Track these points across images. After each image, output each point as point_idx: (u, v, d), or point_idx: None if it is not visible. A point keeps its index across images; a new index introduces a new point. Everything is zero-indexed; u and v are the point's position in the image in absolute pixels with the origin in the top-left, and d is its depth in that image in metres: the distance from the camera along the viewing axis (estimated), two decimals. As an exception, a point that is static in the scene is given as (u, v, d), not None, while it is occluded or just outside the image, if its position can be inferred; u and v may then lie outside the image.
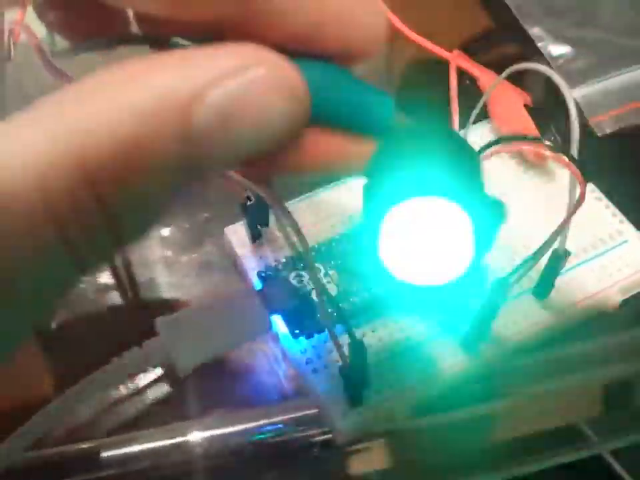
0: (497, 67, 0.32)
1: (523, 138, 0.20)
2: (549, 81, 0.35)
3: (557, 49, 0.36)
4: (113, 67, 0.13)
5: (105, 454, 0.25)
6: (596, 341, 0.27)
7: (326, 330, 0.25)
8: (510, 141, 0.21)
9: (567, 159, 0.20)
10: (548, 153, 0.20)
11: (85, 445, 0.25)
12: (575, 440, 0.28)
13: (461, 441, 0.27)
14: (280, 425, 0.26)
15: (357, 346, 0.21)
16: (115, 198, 0.12)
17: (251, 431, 0.26)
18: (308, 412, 0.25)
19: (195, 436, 0.26)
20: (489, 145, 0.21)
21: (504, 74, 0.24)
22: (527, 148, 0.20)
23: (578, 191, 0.21)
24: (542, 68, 0.22)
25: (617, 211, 0.29)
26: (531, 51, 0.37)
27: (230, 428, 0.26)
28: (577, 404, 0.29)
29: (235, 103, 0.12)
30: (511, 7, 0.38)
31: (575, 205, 0.21)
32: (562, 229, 0.22)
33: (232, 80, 0.12)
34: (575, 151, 0.21)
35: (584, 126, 0.33)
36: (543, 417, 0.28)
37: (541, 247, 0.22)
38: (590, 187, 0.29)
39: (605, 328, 0.28)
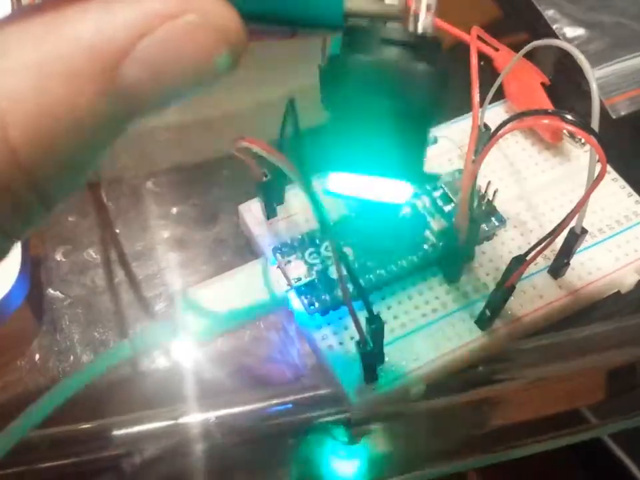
0: (512, 49, 0.32)
1: (543, 112, 0.20)
2: (562, 62, 0.36)
3: (572, 31, 0.36)
4: (30, 11, 0.11)
5: (114, 432, 0.25)
6: (601, 325, 0.27)
7: (341, 306, 0.25)
8: (529, 115, 0.20)
9: (587, 133, 0.19)
10: (568, 126, 0.20)
11: (92, 424, 0.25)
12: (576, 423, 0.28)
13: (465, 424, 0.27)
14: (290, 405, 0.26)
15: (375, 322, 0.21)
16: (38, 161, 0.11)
17: (262, 411, 0.26)
18: (321, 392, 0.25)
19: (206, 415, 0.26)
20: (507, 121, 0.21)
21: (522, 51, 0.24)
22: (545, 123, 0.20)
23: (598, 167, 0.21)
24: (562, 44, 0.22)
25: (632, 192, 0.29)
26: (545, 33, 0.37)
27: (241, 408, 0.26)
28: (581, 389, 0.29)
29: (164, 55, 0.11)
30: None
31: (596, 181, 0.20)
32: (581, 206, 0.21)
33: (160, 30, 0.11)
34: (595, 125, 0.21)
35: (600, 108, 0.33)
36: (547, 402, 0.28)
37: (559, 224, 0.22)
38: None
39: (619, 308, 0.28)
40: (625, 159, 0.30)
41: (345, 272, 0.20)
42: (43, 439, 0.24)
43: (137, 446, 0.25)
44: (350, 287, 0.23)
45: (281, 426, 0.26)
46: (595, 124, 0.21)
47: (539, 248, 0.22)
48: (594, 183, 0.21)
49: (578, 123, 0.20)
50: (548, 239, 0.22)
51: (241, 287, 0.24)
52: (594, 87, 0.22)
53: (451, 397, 0.26)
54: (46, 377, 0.25)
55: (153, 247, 0.29)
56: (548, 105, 0.28)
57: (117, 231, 0.29)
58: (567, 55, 0.35)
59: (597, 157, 0.21)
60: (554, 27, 0.36)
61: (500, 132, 0.21)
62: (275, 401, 0.26)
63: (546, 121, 0.20)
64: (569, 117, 0.20)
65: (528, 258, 0.22)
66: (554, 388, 0.28)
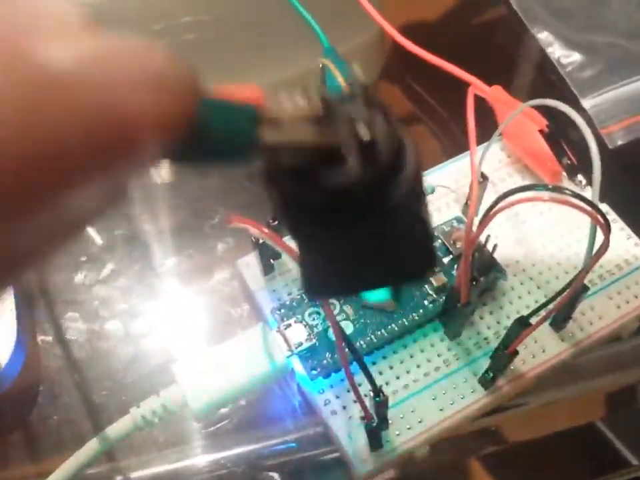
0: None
1: (542, 187, 0.20)
2: (555, 86, 0.35)
3: (566, 57, 0.35)
4: None
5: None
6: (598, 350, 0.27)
7: (343, 369, 0.25)
8: (528, 190, 0.20)
9: (588, 208, 0.19)
10: (571, 201, 0.19)
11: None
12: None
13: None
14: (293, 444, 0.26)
15: (379, 397, 0.21)
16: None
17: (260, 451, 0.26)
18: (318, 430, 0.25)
19: (203, 459, 0.26)
20: (510, 193, 0.20)
21: (522, 107, 0.24)
22: (546, 198, 0.20)
23: (600, 236, 0.21)
24: (564, 108, 0.22)
25: (631, 233, 0.28)
26: (538, 57, 0.36)
27: (239, 449, 0.26)
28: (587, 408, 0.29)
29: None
30: (517, 10, 0.37)
31: (598, 253, 0.20)
32: (584, 273, 0.21)
33: None
34: (596, 197, 0.21)
35: (595, 137, 0.32)
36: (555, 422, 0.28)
37: (564, 290, 0.22)
38: (604, 207, 0.29)
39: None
40: (623, 195, 0.30)
41: (342, 340, 0.20)
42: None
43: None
44: (350, 352, 0.22)
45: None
46: (596, 195, 0.21)
47: (542, 314, 0.22)
48: (598, 254, 0.21)
49: (579, 197, 0.20)
50: (551, 304, 0.22)
51: (241, 357, 0.24)
52: (596, 156, 0.21)
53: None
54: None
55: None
56: (545, 150, 0.28)
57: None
58: (560, 79, 0.35)
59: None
60: (547, 50, 0.35)
61: (503, 205, 0.20)
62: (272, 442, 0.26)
63: (546, 197, 0.20)
64: (567, 191, 0.20)
65: (532, 323, 0.22)
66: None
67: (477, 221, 0.22)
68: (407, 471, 0.25)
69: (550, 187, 0.20)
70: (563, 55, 0.35)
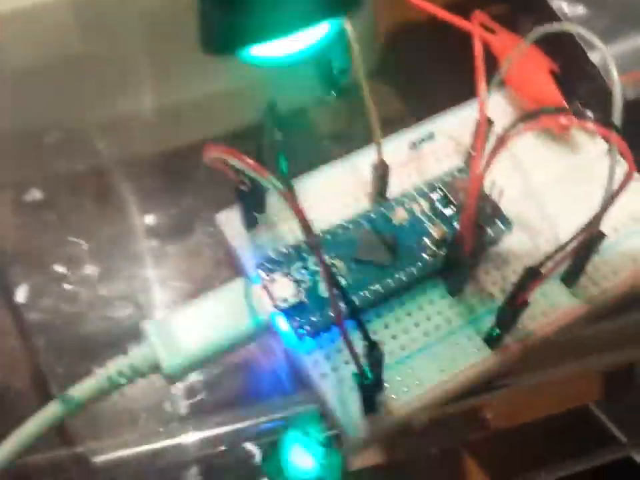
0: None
1: (558, 110, 0.18)
2: (559, 40, 0.33)
3: (572, 10, 0.33)
4: None
5: (99, 458, 0.23)
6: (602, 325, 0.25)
7: (333, 327, 0.22)
8: (543, 114, 0.18)
9: (614, 133, 0.17)
10: (589, 125, 0.17)
11: (77, 450, 0.23)
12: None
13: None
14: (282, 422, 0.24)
15: (374, 351, 0.19)
16: None
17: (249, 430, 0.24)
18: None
19: (192, 436, 0.24)
20: (517, 121, 0.18)
21: (530, 36, 0.22)
22: (562, 123, 0.17)
23: (620, 169, 0.19)
24: (575, 28, 0.20)
25: (647, 185, 0.26)
26: (541, 9, 0.34)
27: (228, 427, 0.24)
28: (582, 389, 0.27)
29: None
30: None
31: (621, 185, 0.18)
32: (601, 213, 0.19)
33: None
34: (618, 120, 0.19)
35: (604, 91, 0.30)
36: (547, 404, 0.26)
37: (577, 234, 0.20)
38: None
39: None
40: (635, 147, 0.28)
41: (335, 292, 0.18)
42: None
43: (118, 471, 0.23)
44: (342, 308, 0.20)
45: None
46: (618, 118, 0.19)
47: (555, 260, 0.20)
48: (620, 186, 0.18)
49: (599, 121, 0.17)
50: (565, 250, 0.20)
51: (220, 313, 0.21)
52: (614, 75, 0.19)
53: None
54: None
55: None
56: (556, 93, 0.25)
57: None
58: (567, 33, 0.33)
59: (619, 157, 0.18)
60: (553, 3, 0.33)
61: (509, 134, 0.18)
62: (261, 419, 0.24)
63: (564, 121, 0.17)
64: (588, 114, 0.17)
65: (544, 271, 0.20)
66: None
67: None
68: (394, 460, 0.23)
69: (566, 109, 0.17)
70: (569, 9, 0.33)
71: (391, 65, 0.33)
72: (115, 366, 0.20)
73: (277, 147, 0.21)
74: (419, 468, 0.26)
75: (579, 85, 0.30)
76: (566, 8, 0.33)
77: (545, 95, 0.26)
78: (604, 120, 0.18)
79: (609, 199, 0.19)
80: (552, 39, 0.33)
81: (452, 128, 0.27)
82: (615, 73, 0.19)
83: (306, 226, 0.16)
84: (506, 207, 0.24)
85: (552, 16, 0.33)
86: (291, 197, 0.16)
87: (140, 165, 0.29)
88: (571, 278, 0.23)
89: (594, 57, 0.31)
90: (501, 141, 0.18)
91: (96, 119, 0.30)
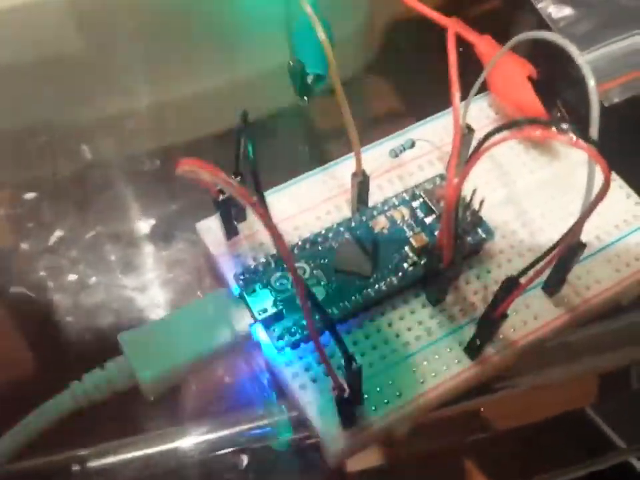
0: (493, 34, 0.29)
1: (537, 122, 0.17)
2: (551, 50, 0.33)
3: (559, 11, 0.33)
4: None
5: (89, 464, 0.23)
6: (593, 328, 0.25)
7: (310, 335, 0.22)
8: (521, 126, 0.17)
9: (589, 146, 0.17)
10: (564, 138, 0.17)
11: (66, 456, 0.23)
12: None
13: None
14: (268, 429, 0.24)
15: (351, 365, 0.18)
16: None
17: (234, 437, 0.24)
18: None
19: (182, 443, 0.23)
20: (495, 131, 0.18)
21: (508, 44, 0.21)
22: (538, 135, 0.17)
23: (598, 179, 0.18)
24: (552, 36, 0.20)
25: (631, 192, 0.26)
26: (529, 13, 0.34)
27: (212, 435, 0.24)
28: (578, 392, 0.26)
29: None
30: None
31: (598, 197, 0.18)
32: (579, 223, 0.19)
33: None
34: (595, 133, 0.19)
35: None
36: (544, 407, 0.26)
37: (556, 244, 0.20)
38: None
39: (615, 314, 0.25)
40: (622, 153, 0.27)
41: (310, 306, 0.18)
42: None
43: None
44: (320, 320, 0.20)
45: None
46: (595, 130, 0.19)
47: (534, 270, 0.20)
48: (596, 197, 0.18)
49: (577, 133, 0.17)
50: (545, 260, 0.20)
51: (198, 324, 0.21)
52: (592, 85, 0.19)
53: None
54: None
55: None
56: (535, 100, 0.25)
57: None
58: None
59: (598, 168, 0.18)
60: (539, 6, 0.33)
61: (487, 144, 0.18)
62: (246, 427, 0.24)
63: (538, 133, 0.17)
64: (563, 126, 0.17)
65: (522, 281, 0.20)
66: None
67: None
68: (391, 461, 0.23)
69: (539, 120, 0.17)
70: (554, 11, 0.33)
71: (389, 62, 0.33)
72: (91, 380, 0.20)
73: (250, 158, 0.20)
74: (416, 469, 0.25)
75: (564, 87, 0.30)
76: (552, 9, 0.33)
77: (525, 103, 0.26)
78: (581, 131, 0.17)
79: (587, 210, 0.18)
80: (538, 41, 0.33)
81: (435, 135, 0.27)
82: (592, 83, 0.19)
83: (277, 238, 0.16)
84: (488, 214, 0.24)
85: (538, 18, 0.33)
86: (260, 209, 0.16)
87: (125, 167, 0.28)
88: (552, 287, 0.23)
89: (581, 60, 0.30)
90: (476, 153, 0.18)
91: (82, 121, 0.30)
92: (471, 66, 0.25)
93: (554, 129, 0.17)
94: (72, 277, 0.26)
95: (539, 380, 0.25)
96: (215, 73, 0.32)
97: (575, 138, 0.17)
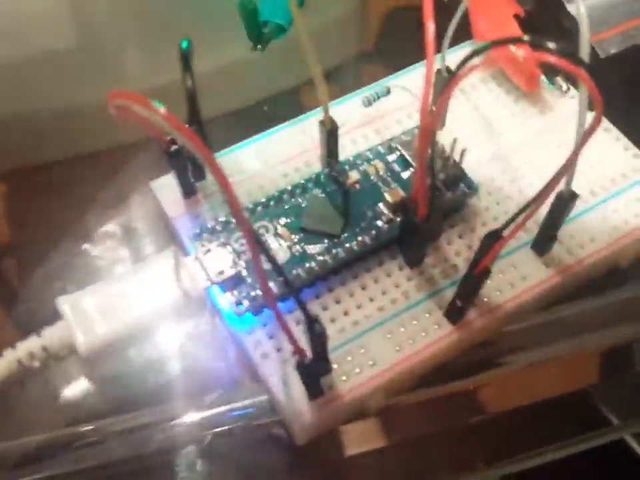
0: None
1: (515, 39, 0.15)
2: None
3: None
4: None
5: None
6: (594, 302, 0.23)
7: (278, 302, 0.20)
8: (497, 45, 0.15)
9: (576, 65, 0.14)
10: (549, 57, 0.14)
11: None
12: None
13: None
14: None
15: (314, 327, 0.16)
16: None
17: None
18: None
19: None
20: (470, 56, 0.16)
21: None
22: (519, 54, 0.15)
23: (589, 114, 0.16)
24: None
25: (629, 144, 0.24)
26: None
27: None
28: (578, 371, 0.24)
29: None
30: None
31: (589, 129, 0.15)
32: (570, 162, 0.17)
33: None
34: (585, 54, 0.16)
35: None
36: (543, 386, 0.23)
37: (542, 190, 0.17)
38: (596, 116, 0.24)
39: (617, 286, 0.23)
40: (618, 105, 0.25)
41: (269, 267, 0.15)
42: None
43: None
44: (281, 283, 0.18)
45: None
46: (585, 52, 0.16)
47: (519, 220, 0.17)
48: (587, 132, 0.16)
49: (562, 52, 0.15)
50: (530, 208, 0.17)
51: (145, 288, 0.19)
52: (581, 9, 0.17)
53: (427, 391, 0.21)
54: None
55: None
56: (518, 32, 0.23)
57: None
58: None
59: (588, 100, 0.16)
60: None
61: (461, 71, 0.16)
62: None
63: (520, 52, 0.15)
64: (549, 45, 0.15)
65: (505, 234, 0.18)
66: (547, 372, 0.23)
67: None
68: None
69: (523, 38, 0.15)
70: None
71: (388, 48, 0.31)
72: (26, 348, 0.18)
73: (193, 94, 0.18)
74: (414, 449, 0.23)
75: (553, 35, 0.28)
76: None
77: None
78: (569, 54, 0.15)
79: (577, 148, 0.16)
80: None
81: (414, 86, 0.25)
82: (581, 7, 0.17)
83: (226, 189, 0.14)
84: (472, 169, 0.22)
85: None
86: (197, 139, 0.13)
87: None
88: (542, 246, 0.21)
89: (572, 8, 0.28)
90: (451, 81, 0.16)
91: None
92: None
93: (537, 45, 0.15)
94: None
95: (538, 357, 0.23)
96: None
97: (565, 59, 0.14)
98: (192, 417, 0.21)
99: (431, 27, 0.17)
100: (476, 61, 0.15)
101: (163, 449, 0.20)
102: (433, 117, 0.17)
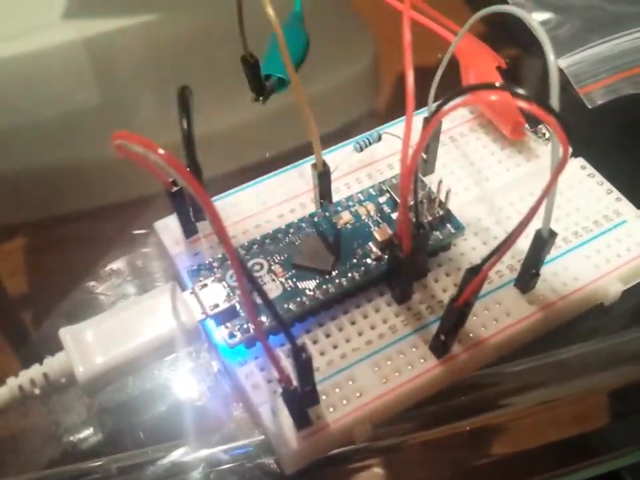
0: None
1: (490, 86, 0.16)
2: (521, 41, 0.32)
3: (540, 16, 0.32)
4: None
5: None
6: (594, 343, 0.23)
7: (270, 336, 0.21)
8: (474, 90, 0.16)
9: (543, 110, 0.16)
10: (519, 101, 0.16)
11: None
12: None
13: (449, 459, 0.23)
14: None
15: (300, 358, 0.17)
16: None
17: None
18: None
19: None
20: (447, 100, 0.17)
21: (470, 21, 0.21)
22: (492, 99, 0.16)
23: (560, 152, 0.17)
24: (508, 9, 0.19)
25: (612, 188, 0.25)
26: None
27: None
28: (579, 414, 0.24)
29: None
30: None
31: (557, 168, 0.17)
32: (544, 198, 0.17)
33: None
34: (555, 101, 0.17)
35: (573, 98, 0.29)
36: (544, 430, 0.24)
37: (518, 225, 0.18)
38: (580, 161, 0.25)
39: (601, 326, 0.24)
40: (603, 152, 0.27)
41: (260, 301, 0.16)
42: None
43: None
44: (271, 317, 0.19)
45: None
46: (554, 99, 0.18)
47: (497, 255, 0.18)
48: (556, 169, 0.17)
49: (531, 98, 0.16)
50: (506, 243, 0.18)
51: (143, 320, 0.20)
52: (550, 55, 0.18)
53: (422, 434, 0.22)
54: None
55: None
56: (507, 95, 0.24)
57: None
58: (530, 34, 0.32)
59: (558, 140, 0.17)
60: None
61: (440, 112, 0.17)
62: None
63: (493, 97, 0.16)
64: (520, 91, 0.16)
65: (484, 268, 0.18)
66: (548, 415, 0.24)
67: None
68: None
69: (497, 85, 0.16)
70: (536, 15, 0.32)
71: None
72: (27, 375, 0.19)
73: (188, 137, 0.20)
74: None
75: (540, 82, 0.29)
76: (534, 15, 0.32)
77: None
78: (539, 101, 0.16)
79: (548, 186, 0.17)
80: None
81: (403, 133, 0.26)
82: (551, 56, 0.18)
83: (213, 218, 0.15)
84: (460, 211, 0.23)
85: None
86: (194, 182, 0.14)
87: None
88: (525, 283, 0.22)
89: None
90: (431, 119, 0.17)
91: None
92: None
93: (509, 91, 0.16)
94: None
95: (545, 397, 0.23)
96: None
97: (532, 102, 0.16)
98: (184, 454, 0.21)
99: (410, 75, 0.18)
100: (455, 102, 0.16)
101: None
102: (413, 155, 0.18)
